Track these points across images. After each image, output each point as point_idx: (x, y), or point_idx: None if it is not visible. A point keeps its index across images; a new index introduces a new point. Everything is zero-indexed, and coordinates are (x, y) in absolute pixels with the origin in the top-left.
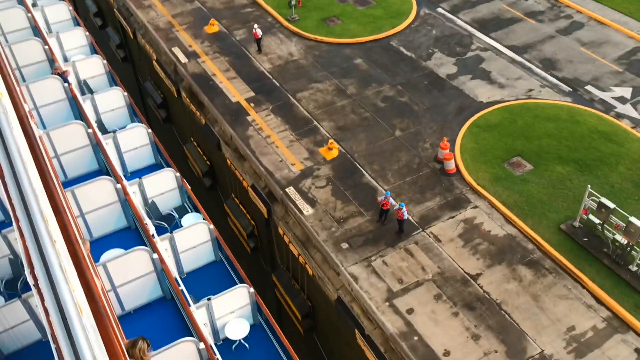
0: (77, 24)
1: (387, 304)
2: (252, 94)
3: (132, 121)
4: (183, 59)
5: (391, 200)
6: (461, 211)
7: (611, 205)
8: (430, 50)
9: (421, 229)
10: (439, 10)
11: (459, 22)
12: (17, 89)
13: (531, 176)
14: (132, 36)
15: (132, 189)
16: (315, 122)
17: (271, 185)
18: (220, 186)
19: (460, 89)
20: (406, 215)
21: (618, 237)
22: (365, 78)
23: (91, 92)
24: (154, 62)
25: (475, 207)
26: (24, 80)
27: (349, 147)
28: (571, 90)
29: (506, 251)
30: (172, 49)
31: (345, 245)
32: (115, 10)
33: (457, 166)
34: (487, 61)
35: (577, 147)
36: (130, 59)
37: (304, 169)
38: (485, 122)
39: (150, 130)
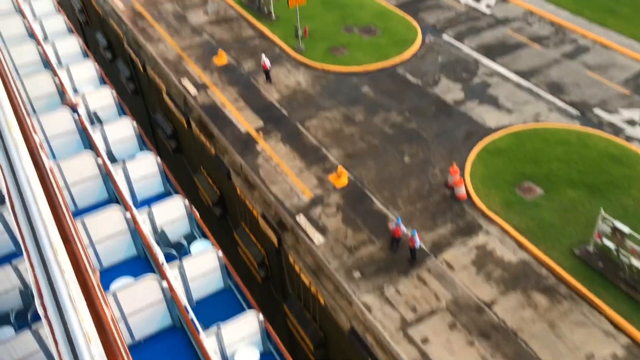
0: (86, 56)
1: (401, 333)
2: (261, 123)
3: (141, 150)
4: (193, 90)
5: (402, 227)
6: (473, 237)
7: (626, 229)
8: (437, 77)
9: (433, 256)
10: (444, 37)
11: (465, 48)
12: (28, 120)
13: (542, 201)
14: (142, 69)
15: (141, 217)
16: (324, 150)
17: (281, 214)
18: (230, 215)
19: (468, 114)
20: (418, 243)
21: (634, 261)
22: (373, 105)
23: (101, 122)
24: (164, 94)
25: (487, 232)
26: (34, 112)
27: (358, 174)
28: (579, 113)
29: (520, 277)
30: (182, 80)
31: (357, 274)
32: (125, 43)
33: (467, 192)
34: (494, 86)
35: (588, 170)
36: (140, 92)
37: (314, 197)
38: (494, 147)
39: (159, 159)
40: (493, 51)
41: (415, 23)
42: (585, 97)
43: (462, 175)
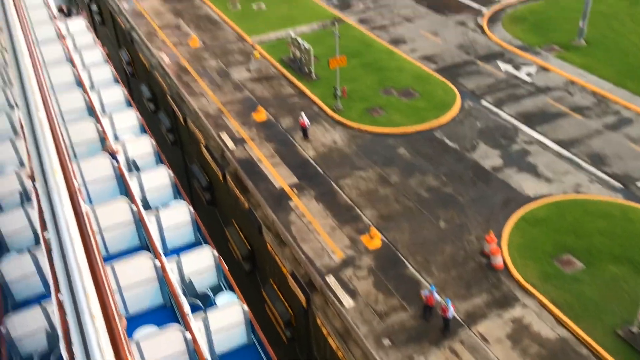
0: (130, 106)
1: None
2: (295, 180)
3: (175, 198)
4: (230, 144)
5: (436, 295)
6: (509, 309)
7: None
8: (475, 142)
9: (467, 327)
10: (483, 103)
11: (504, 115)
12: (69, 166)
13: (583, 275)
14: (182, 122)
15: (170, 265)
16: (358, 210)
17: (311, 274)
18: (259, 271)
19: (506, 181)
20: (452, 313)
21: None
22: (409, 167)
23: (138, 170)
24: (202, 147)
25: (524, 305)
26: (75, 157)
27: (391, 236)
28: (622, 186)
29: (558, 356)
30: (221, 134)
31: (386, 342)
32: (168, 96)
33: (504, 261)
34: (533, 154)
35: (632, 245)
36: (179, 143)
37: (345, 258)
38: (532, 217)
39: (191, 208)
40: (533, 119)
41: (454, 88)
42: (628, 169)
43: (499, 243)
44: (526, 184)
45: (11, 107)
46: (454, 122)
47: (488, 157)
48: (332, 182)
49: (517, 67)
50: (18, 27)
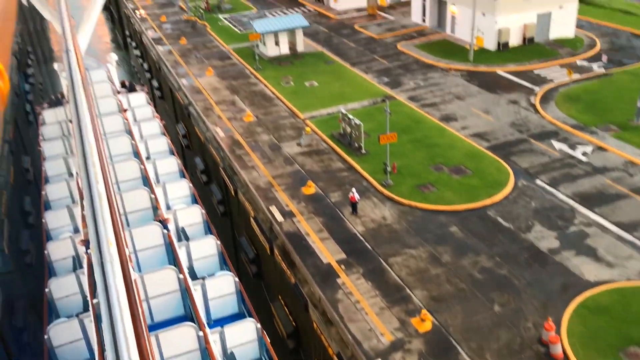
0: (183, 176)
1: None
2: (343, 255)
3: (222, 269)
4: (279, 217)
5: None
6: None
7: None
8: (530, 223)
9: None
10: (538, 182)
11: (559, 195)
12: (123, 235)
13: None
14: (233, 194)
15: (213, 337)
16: (408, 290)
17: (358, 356)
18: (304, 350)
19: (564, 265)
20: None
21: None
22: (461, 247)
23: (187, 239)
24: (251, 219)
25: None
26: (128, 225)
27: (443, 319)
28: None
29: None
30: (270, 207)
31: None
32: (220, 168)
33: (564, 351)
34: (592, 237)
35: None
36: (229, 215)
37: (394, 341)
38: (594, 304)
39: (237, 279)
40: (591, 200)
41: (507, 166)
42: None
43: (558, 331)
44: (586, 268)
45: (70, 175)
46: (508, 201)
47: (544, 238)
48: (381, 260)
49: (572, 147)
50: (84, 101)
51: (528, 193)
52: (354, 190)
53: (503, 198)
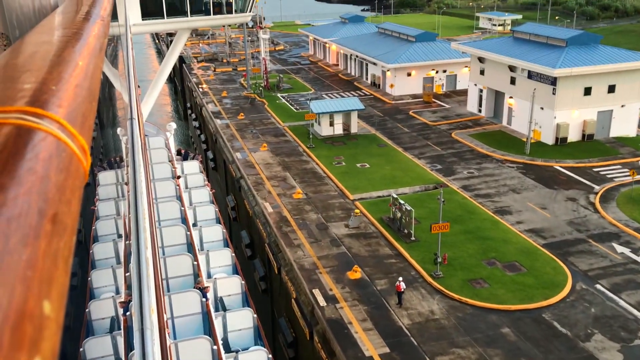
0: (226, 245)
1: None
2: (387, 350)
3: (256, 344)
4: (322, 301)
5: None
6: None
7: None
8: (589, 331)
9: None
10: (598, 286)
11: (622, 303)
12: (163, 301)
13: None
14: (276, 271)
15: None
16: None
17: None
18: None
19: None
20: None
21: None
22: (513, 351)
23: (225, 309)
24: (293, 300)
25: None
26: (168, 290)
27: None
28: None
29: None
30: (313, 290)
31: None
32: (266, 244)
33: None
34: None
35: None
36: (270, 292)
37: None
38: None
39: (271, 357)
40: None
41: (564, 266)
42: None
43: None
44: None
45: (119, 236)
46: (565, 305)
47: (605, 349)
48: (428, 358)
49: (636, 251)
50: (141, 166)
51: (587, 298)
52: (400, 279)
53: (560, 300)
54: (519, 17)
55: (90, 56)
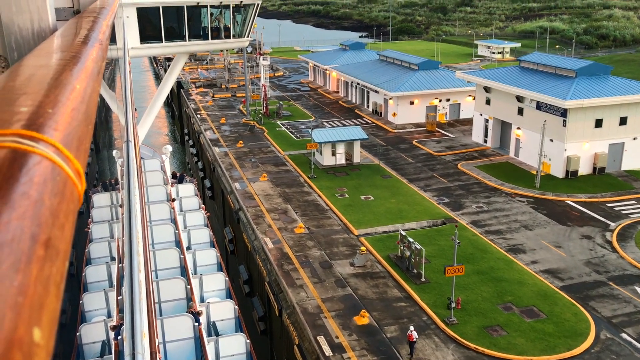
0: (220, 269)
1: None
2: None
3: None
4: (327, 350)
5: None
6: None
7: None
8: None
9: None
10: (624, 336)
11: None
12: (155, 325)
13: None
14: (277, 313)
15: None
16: None
17: None
18: None
19: None
20: None
21: None
22: None
23: (217, 334)
24: (295, 347)
25: None
26: (160, 314)
27: None
28: None
29: None
30: (318, 337)
31: None
32: (266, 283)
33: None
34: None
35: None
36: (269, 335)
37: None
38: None
39: None
40: None
41: (586, 312)
42: None
43: None
44: None
45: (112, 259)
46: (590, 357)
47: None
48: None
49: None
50: (136, 189)
51: (614, 349)
52: (412, 328)
53: (584, 351)
54: (518, 45)
55: (88, 79)
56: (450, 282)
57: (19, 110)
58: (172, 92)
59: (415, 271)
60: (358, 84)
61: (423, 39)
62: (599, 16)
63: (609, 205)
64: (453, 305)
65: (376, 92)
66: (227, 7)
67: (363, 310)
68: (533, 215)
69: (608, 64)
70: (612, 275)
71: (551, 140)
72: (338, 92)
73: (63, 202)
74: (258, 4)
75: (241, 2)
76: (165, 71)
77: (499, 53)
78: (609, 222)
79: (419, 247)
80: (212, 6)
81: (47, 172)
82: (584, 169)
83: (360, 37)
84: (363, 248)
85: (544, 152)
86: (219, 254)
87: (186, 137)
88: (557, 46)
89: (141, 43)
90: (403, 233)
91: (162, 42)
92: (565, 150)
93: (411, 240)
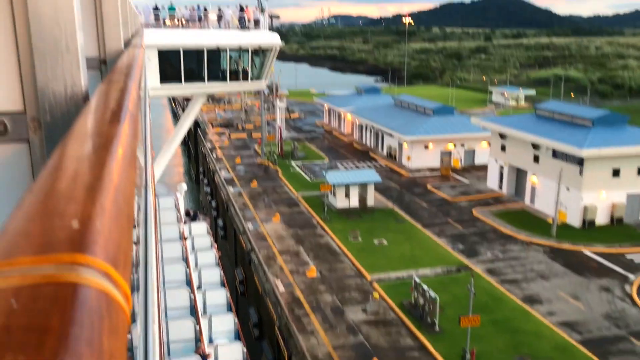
0: (230, 310)
1: None
2: None
3: None
4: None
5: None
6: None
7: None
8: None
9: None
10: None
11: None
12: None
13: None
14: (287, 359)
15: None
16: None
17: None
18: None
19: None
20: None
21: None
22: None
23: None
24: None
25: None
26: (169, 355)
27: None
28: None
29: None
30: None
31: None
32: (276, 327)
33: None
34: None
35: None
36: None
37: None
38: None
39: None
40: None
41: None
42: None
43: None
44: None
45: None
46: None
47: None
48: None
49: None
50: (152, 227)
51: None
52: None
53: None
54: (533, 92)
55: (126, 176)
56: (465, 333)
57: (65, 225)
58: (189, 131)
59: (429, 320)
60: (373, 127)
61: (438, 84)
62: (614, 66)
63: (628, 257)
64: (468, 356)
65: (391, 135)
66: (246, 50)
67: (374, 358)
68: (549, 265)
69: (624, 113)
70: (633, 330)
71: (567, 189)
72: (352, 134)
73: (117, 340)
74: (277, 49)
75: (260, 46)
76: (184, 110)
77: (513, 100)
78: (628, 274)
79: (433, 295)
80: (231, 50)
81: (103, 307)
82: (602, 219)
83: (375, 81)
84: (376, 294)
85: (560, 201)
86: (229, 295)
87: (201, 176)
88: (572, 94)
89: (161, 83)
90: (417, 280)
91: (181, 83)
92: (582, 199)
93: (425, 287)
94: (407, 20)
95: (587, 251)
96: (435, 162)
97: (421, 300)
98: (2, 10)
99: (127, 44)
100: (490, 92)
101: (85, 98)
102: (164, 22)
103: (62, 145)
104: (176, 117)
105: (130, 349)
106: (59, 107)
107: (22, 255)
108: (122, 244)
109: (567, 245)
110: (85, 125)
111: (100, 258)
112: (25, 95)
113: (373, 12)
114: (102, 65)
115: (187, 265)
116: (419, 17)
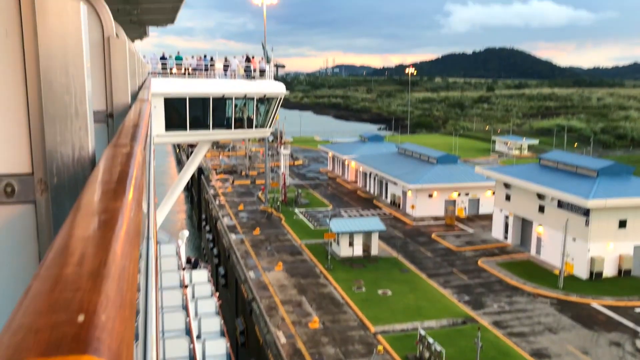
0: (229, 358)
1: None
2: None
3: None
4: None
5: None
6: None
7: None
8: None
9: None
10: None
11: None
12: None
13: None
14: None
15: None
16: None
17: None
18: None
19: None
20: None
21: None
22: None
23: None
24: None
25: None
26: None
27: None
28: None
29: None
30: None
31: None
32: None
33: None
34: None
35: None
36: None
37: None
38: None
39: None
40: None
41: None
42: None
43: None
44: None
45: None
46: None
47: None
48: None
49: None
50: (152, 276)
51: None
52: None
53: None
54: (536, 142)
55: (130, 259)
56: None
57: (72, 320)
58: (192, 177)
59: None
60: (377, 175)
61: (441, 133)
62: (615, 116)
63: (638, 310)
64: None
65: (395, 183)
66: (251, 99)
67: None
68: (557, 318)
69: (627, 163)
70: None
71: (574, 240)
72: (356, 182)
73: None
74: (281, 97)
75: (265, 95)
76: (188, 157)
77: (516, 149)
78: (638, 328)
79: (439, 348)
80: (237, 98)
81: None
82: (609, 271)
83: (378, 129)
84: (380, 347)
85: (566, 252)
86: (229, 345)
87: (203, 223)
88: (575, 144)
89: (166, 130)
90: (422, 333)
91: (186, 130)
92: (589, 250)
93: (431, 340)
94: (410, 70)
95: (596, 304)
96: (440, 211)
97: (427, 354)
98: (15, 75)
99: (135, 96)
100: (494, 142)
101: (92, 160)
102: (171, 71)
103: (67, 223)
104: (180, 164)
105: None
106: (66, 170)
107: (30, 356)
108: (126, 336)
109: (574, 298)
110: (91, 200)
111: (105, 357)
112: (33, 157)
113: (376, 62)
114: (109, 118)
115: (187, 314)
116: (422, 67)
